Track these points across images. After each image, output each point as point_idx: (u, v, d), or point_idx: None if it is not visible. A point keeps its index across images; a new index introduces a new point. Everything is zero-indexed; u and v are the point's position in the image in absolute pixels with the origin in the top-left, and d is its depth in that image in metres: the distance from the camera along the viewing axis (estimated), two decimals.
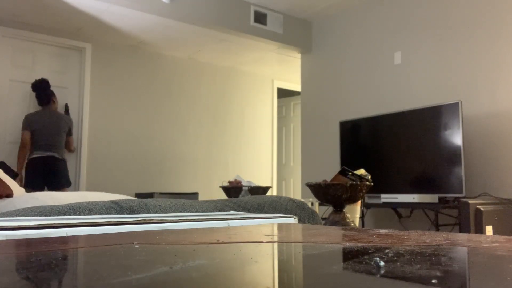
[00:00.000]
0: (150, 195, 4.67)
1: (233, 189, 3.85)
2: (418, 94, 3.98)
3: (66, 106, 4.60)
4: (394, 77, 4.18)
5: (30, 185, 3.95)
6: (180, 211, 1.45)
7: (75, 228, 0.83)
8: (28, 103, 4.48)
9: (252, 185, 3.87)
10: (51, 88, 4.34)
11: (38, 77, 4.49)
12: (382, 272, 0.44)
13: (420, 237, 0.73)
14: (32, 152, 4.11)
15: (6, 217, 1.16)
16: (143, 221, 0.95)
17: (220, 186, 4.00)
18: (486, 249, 0.59)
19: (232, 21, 4.43)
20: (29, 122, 4.12)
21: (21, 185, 3.98)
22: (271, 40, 4.74)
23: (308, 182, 2.33)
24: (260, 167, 6.06)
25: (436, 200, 3.34)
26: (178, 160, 5.37)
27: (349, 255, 0.56)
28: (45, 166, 4.09)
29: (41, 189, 3.99)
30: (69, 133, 4.38)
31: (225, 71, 5.85)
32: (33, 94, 4.45)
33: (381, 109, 4.26)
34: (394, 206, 3.46)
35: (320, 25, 4.98)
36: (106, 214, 1.29)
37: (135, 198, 1.53)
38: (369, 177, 2.64)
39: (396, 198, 3.44)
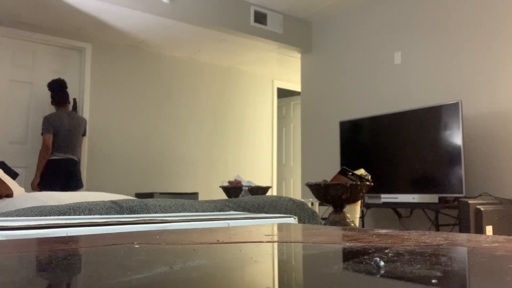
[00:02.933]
0: (150, 195, 4.66)
1: (233, 189, 3.85)
2: (418, 94, 3.97)
3: (74, 101, 4.47)
4: (394, 77, 4.18)
5: (48, 188, 3.84)
6: (180, 211, 1.45)
7: (75, 228, 0.83)
8: (28, 103, 4.48)
9: (252, 185, 3.87)
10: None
11: (38, 77, 4.48)
12: (382, 272, 0.44)
13: (420, 237, 0.73)
14: (52, 154, 4.02)
15: (6, 217, 1.16)
16: (143, 221, 0.95)
17: (220, 186, 4.01)
18: (486, 249, 0.59)
19: (232, 21, 4.43)
20: (52, 124, 4.02)
21: (36, 188, 3.94)
22: (271, 40, 4.74)
23: (308, 182, 2.33)
24: (260, 167, 6.06)
25: (436, 200, 3.34)
26: (178, 160, 5.37)
27: (349, 255, 0.56)
28: (66, 168, 4.03)
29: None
30: (84, 133, 4.35)
31: (225, 71, 5.85)
32: (34, 94, 4.44)
33: (381, 109, 4.26)
34: (394, 206, 3.46)
35: (320, 25, 4.98)
36: (106, 214, 1.29)
37: (135, 198, 1.53)
38: (369, 177, 2.64)
39: (396, 198, 3.44)
